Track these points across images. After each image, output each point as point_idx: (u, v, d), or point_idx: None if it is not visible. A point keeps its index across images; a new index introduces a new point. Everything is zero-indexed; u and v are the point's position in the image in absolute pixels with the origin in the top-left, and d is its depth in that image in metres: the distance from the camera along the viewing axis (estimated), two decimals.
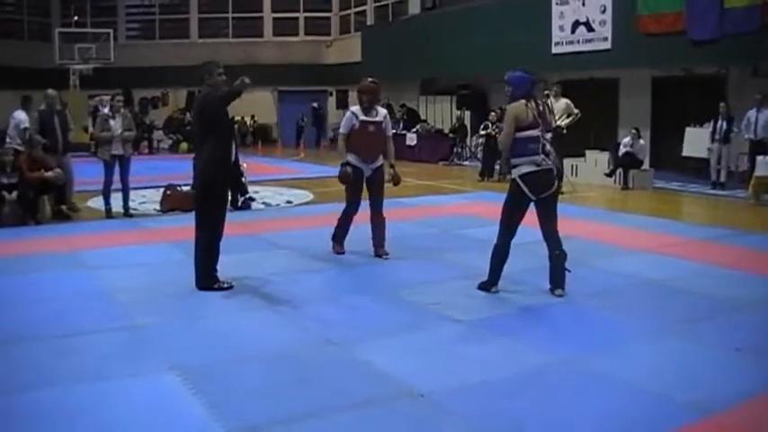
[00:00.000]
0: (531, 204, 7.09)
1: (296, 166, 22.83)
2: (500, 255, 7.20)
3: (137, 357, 5.51)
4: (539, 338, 5.96)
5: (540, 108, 7.05)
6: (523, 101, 6.97)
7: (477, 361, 5.44)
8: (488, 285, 7.29)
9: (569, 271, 7.17)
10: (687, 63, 17.82)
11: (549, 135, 7.08)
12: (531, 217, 7.18)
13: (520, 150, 6.94)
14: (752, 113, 15.49)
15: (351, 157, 8.73)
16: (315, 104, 32.85)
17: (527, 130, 6.89)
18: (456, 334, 6.12)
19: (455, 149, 24.15)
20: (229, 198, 12.92)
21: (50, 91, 12.65)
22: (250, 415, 4.48)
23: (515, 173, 7.01)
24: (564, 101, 15.04)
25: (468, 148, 24.00)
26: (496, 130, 18.75)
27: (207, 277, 7.36)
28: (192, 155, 7.82)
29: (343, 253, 9.04)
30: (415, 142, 24.87)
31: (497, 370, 5.23)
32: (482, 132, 19.54)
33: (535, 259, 7.65)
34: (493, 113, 19.77)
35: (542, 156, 6.91)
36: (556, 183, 7.08)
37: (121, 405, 4.63)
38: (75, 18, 33.46)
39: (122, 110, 12.43)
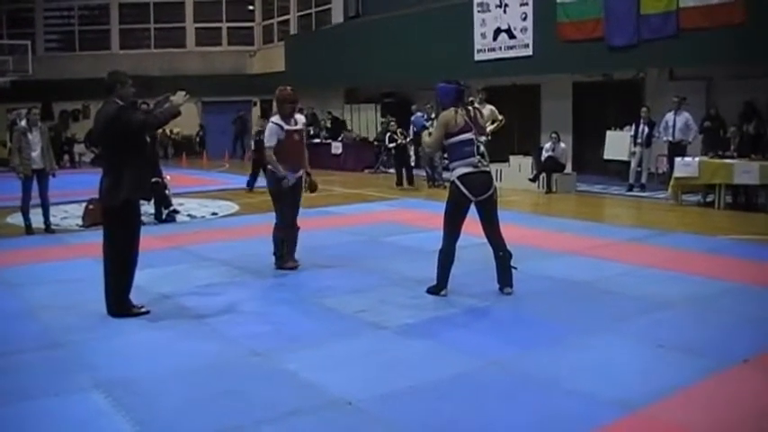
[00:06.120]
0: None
1: (221, 177, 22.60)
2: (446, 258, 7.33)
3: (61, 376, 5.38)
4: (466, 342, 6.02)
5: (472, 113, 7.25)
6: (453, 108, 7.17)
7: (404, 367, 5.47)
8: (437, 289, 7.41)
9: (516, 269, 7.43)
10: (606, 68, 18.22)
11: (483, 139, 7.28)
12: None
13: (456, 154, 7.17)
14: (670, 116, 15.87)
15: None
16: (240, 113, 32.45)
17: (459, 134, 7.10)
18: (383, 340, 6.13)
19: (380, 157, 24.18)
20: (153, 211, 12.94)
21: None
22: (177, 430, 4.43)
23: (453, 175, 7.21)
24: (489, 107, 15.20)
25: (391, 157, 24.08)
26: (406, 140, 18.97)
27: (121, 303, 6.96)
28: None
29: (296, 267, 8.80)
30: (340, 151, 24.81)
31: (424, 375, 5.26)
32: (390, 145, 19.52)
33: (461, 265, 7.69)
34: (393, 123, 19.87)
35: (478, 157, 7.13)
36: (494, 185, 7.26)
37: (47, 425, 4.54)
38: None
39: (39, 123, 12.15)
